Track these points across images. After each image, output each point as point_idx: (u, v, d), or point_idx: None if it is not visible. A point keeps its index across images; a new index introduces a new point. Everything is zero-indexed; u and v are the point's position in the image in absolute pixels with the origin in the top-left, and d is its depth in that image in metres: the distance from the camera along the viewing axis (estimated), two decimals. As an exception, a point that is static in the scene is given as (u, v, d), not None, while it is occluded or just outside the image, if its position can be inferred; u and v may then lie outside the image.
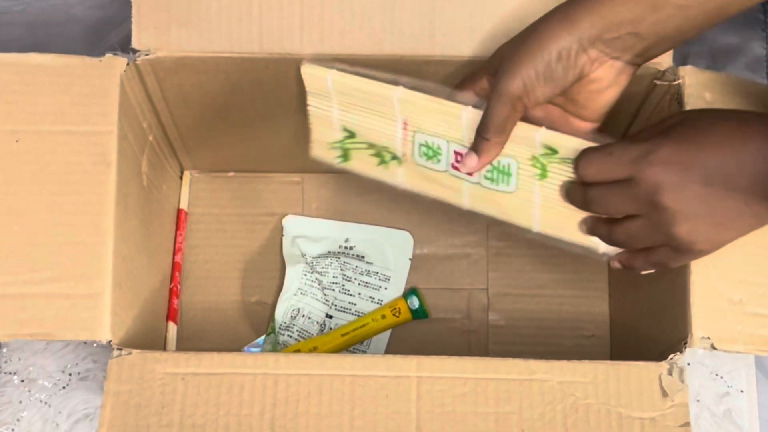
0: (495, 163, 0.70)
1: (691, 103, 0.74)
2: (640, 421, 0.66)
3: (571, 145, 0.66)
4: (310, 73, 0.73)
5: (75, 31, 1.04)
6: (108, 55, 0.74)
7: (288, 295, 0.93)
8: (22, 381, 0.90)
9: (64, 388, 0.90)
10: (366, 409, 0.67)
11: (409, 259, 0.96)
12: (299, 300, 0.92)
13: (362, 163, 0.77)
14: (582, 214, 0.69)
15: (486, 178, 0.71)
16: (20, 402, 0.90)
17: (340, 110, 0.74)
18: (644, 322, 0.83)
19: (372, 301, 0.94)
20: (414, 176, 0.75)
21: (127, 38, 0.75)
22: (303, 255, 0.94)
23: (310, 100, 0.75)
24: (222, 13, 0.74)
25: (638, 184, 0.62)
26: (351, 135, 0.75)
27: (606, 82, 0.68)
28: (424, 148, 0.72)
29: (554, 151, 0.67)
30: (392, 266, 0.95)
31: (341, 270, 0.94)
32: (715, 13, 0.64)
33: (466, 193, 0.73)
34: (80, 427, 0.89)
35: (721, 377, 0.91)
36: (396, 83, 0.70)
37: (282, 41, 0.74)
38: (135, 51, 0.74)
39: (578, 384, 0.67)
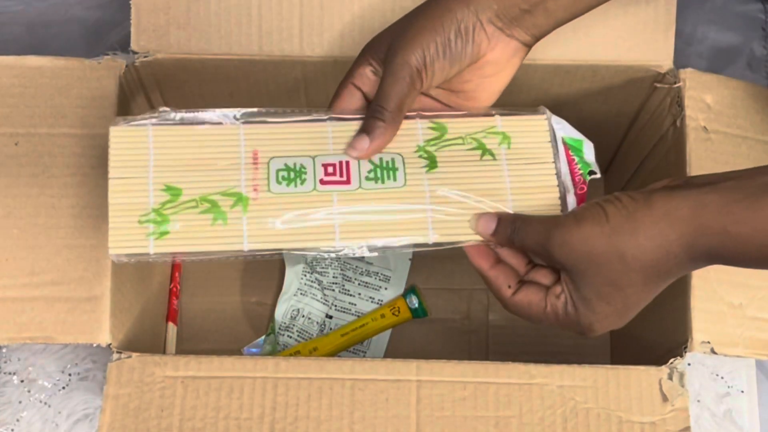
0: (377, 160, 0.66)
1: (691, 105, 0.74)
2: (640, 426, 0.66)
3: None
4: (120, 136, 0.64)
5: (74, 31, 1.03)
6: (107, 57, 0.74)
7: (288, 296, 0.93)
8: (22, 381, 0.90)
9: (63, 388, 0.90)
10: (366, 412, 0.67)
11: (409, 259, 0.95)
12: (299, 300, 0.92)
13: (189, 229, 0.63)
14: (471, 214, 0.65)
15: (368, 179, 0.65)
16: (20, 402, 0.90)
17: (159, 169, 0.64)
18: (644, 325, 0.83)
19: (372, 302, 0.93)
20: (269, 211, 0.64)
21: (127, 38, 0.74)
22: (303, 255, 0.94)
23: (114, 172, 0.63)
24: (221, 15, 0.74)
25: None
26: (175, 194, 0.63)
27: (500, 64, 0.66)
28: (283, 173, 0.65)
29: (442, 130, 0.66)
30: (392, 266, 0.95)
31: (341, 270, 0.94)
32: None
33: (336, 200, 0.65)
34: (80, 427, 0.89)
35: (722, 377, 0.91)
36: (234, 118, 0.66)
37: (281, 43, 0.74)
38: (134, 53, 0.74)
39: (578, 388, 0.67)
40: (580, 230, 0.59)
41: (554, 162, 0.67)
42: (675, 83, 0.74)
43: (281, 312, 0.92)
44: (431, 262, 0.96)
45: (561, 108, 0.81)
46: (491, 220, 0.64)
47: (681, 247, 0.57)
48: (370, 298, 0.94)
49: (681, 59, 0.76)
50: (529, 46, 0.66)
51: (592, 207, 0.60)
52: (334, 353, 0.90)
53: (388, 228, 0.65)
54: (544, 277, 0.64)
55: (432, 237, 0.65)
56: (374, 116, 0.64)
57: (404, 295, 0.92)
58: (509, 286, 0.64)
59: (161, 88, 0.79)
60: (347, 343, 0.90)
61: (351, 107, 0.66)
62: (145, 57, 0.74)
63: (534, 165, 0.67)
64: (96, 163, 0.71)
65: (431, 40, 0.63)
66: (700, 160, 0.73)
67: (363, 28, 0.74)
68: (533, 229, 0.62)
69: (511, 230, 0.63)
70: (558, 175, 0.67)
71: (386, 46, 0.65)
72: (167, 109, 0.65)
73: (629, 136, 0.87)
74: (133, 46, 0.74)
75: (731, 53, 1.03)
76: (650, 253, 0.58)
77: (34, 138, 0.72)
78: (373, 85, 0.66)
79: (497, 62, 0.66)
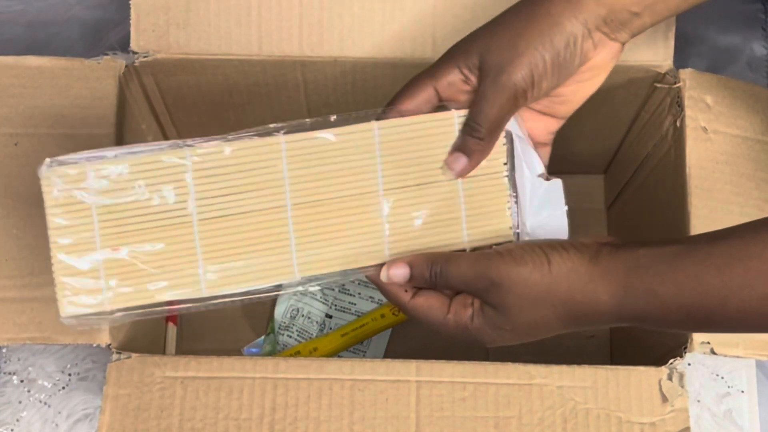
0: None
1: (691, 105, 0.74)
2: (639, 426, 0.66)
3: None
4: (56, 178, 0.58)
5: (74, 31, 1.03)
6: (106, 58, 0.74)
7: (287, 295, 0.93)
8: (22, 381, 0.90)
9: (63, 388, 0.90)
10: (365, 413, 0.67)
11: (409, 259, 0.95)
12: (299, 300, 0.92)
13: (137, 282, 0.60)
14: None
15: None
16: (20, 402, 0.90)
17: (104, 216, 0.59)
18: (644, 325, 0.83)
19: (372, 301, 0.93)
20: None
21: (127, 38, 0.74)
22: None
23: (54, 222, 0.59)
24: (221, 15, 0.74)
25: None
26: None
27: (601, 67, 0.64)
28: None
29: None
30: (392, 265, 0.95)
31: (341, 269, 0.94)
32: None
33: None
34: (80, 427, 0.89)
35: (722, 377, 0.91)
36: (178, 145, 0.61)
37: (281, 43, 0.74)
38: (134, 53, 0.74)
39: (578, 388, 0.67)
40: (519, 273, 0.58)
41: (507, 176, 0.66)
42: (675, 83, 0.74)
43: (281, 311, 0.92)
44: (431, 262, 0.96)
45: (561, 108, 0.81)
46: (401, 267, 0.62)
47: (611, 307, 0.57)
48: (370, 297, 0.93)
49: (681, 59, 0.75)
50: (623, 45, 0.64)
51: (535, 251, 0.59)
52: (334, 353, 0.90)
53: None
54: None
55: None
56: (472, 135, 0.62)
57: None
58: (405, 290, 0.63)
59: (161, 88, 0.79)
60: (347, 343, 0.90)
61: (422, 110, 0.63)
62: (145, 57, 0.74)
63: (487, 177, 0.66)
64: (96, 164, 0.71)
65: (540, 58, 0.60)
66: (700, 160, 0.73)
67: (363, 28, 0.74)
68: (460, 270, 0.60)
69: (430, 274, 0.61)
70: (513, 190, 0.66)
71: (479, 54, 0.61)
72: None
73: (629, 136, 0.87)
74: (133, 46, 0.74)
75: (731, 53, 1.03)
76: (581, 308, 0.58)
77: (34, 138, 0.72)
78: (459, 93, 0.63)
79: (599, 66, 0.64)
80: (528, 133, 0.66)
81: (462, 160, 0.63)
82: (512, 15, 0.62)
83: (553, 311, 0.59)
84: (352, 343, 0.91)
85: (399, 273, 0.62)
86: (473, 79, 0.62)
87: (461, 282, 0.60)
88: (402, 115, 0.63)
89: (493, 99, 0.61)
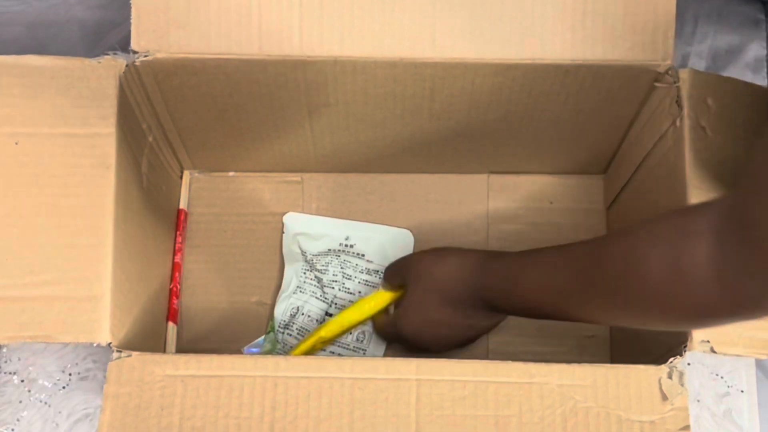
0: None
1: (691, 105, 0.74)
2: (639, 425, 0.66)
3: None
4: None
5: (75, 31, 1.04)
6: (107, 57, 0.74)
7: (287, 294, 0.93)
8: (22, 381, 0.90)
9: (64, 388, 0.90)
10: (365, 412, 0.67)
11: (410, 258, 0.96)
12: (298, 298, 0.92)
13: None
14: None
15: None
16: (20, 402, 0.90)
17: None
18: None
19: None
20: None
21: (127, 38, 0.74)
22: (303, 253, 0.94)
23: None
24: (221, 14, 0.74)
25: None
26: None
27: None
28: None
29: None
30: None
31: (341, 268, 0.94)
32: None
33: None
34: (80, 427, 0.89)
35: (722, 377, 0.91)
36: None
37: (281, 43, 0.74)
38: (134, 53, 0.74)
39: (578, 387, 0.67)
40: (419, 256, 0.85)
41: None
42: (675, 83, 0.75)
43: (281, 310, 0.92)
44: (431, 262, 0.96)
45: (561, 108, 0.82)
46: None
47: (468, 282, 0.79)
48: (370, 297, 0.94)
49: (681, 59, 0.76)
50: None
51: (435, 248, 0.85)
52: (343, 331, 0.91)
53: None
54: None
55: None
56: None
57: None
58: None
59: (161, 88, 0.79)
60: (351, 323, 0.91)
61: None
62: (145, 57, 0.74)
63: None
64: (96, 163, 0.71)
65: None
66: (700, 160, 0.73)
67: (363, 28, 0.74)
68: (396, 265, 0.88)
69: (388, 274, 0.90)
70: None
71: None
72: None
73: (629, 136, 0.87)
74: (133, 46, 0.74)
75: (731, 53, 1.03)
76: (450, 278, 0.80)
77: (34, 138, 0.72)
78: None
79: None
80: None
81: None
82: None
83: (434, 286, 0.81)
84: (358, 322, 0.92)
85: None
86: None
87: (396, 270, 0.88)
88: None
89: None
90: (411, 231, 0.96)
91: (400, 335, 0.85)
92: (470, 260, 0.79)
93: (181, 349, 0.92)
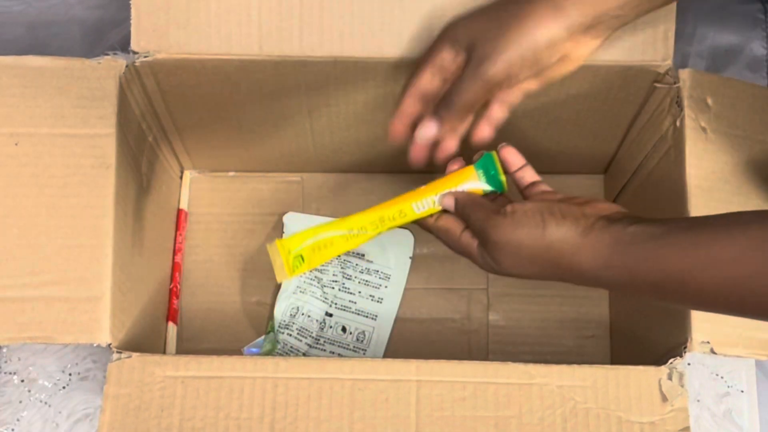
0: None
1: (691, 105, 0.74)
2: (639, 426, 0.66)
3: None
4: None
5: (75, 31, 1.04)
6: (107, 57, 0.74)
7: (287, 294, 0.93)
8: (22, 381, 0.90)
9: (64, 388, 0.90)
10: (365, 413, 0.67)
11: (410, 258, 0.95)
12: (298, 298, 0.92)
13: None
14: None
15: None
16: (20, 402, 0.90)
17: None
18: (644, 324, 0.83)
19: (372, 300, 0.94)
20: None
21: (127, 38, 0.74)
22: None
23: None
24: (221, 15, 0.74)
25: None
26: None
27: (582, 59, 0.68)
28: None
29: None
30: (393, 264, 0.95)
31: (341, 268, 0.94)
32: None
33: None
34: (80, 427, 0.89)
35: (722, 377, 0.91)
36: None
37: (281, 43, 0.74)
38: (134, 53, 0.74)
39: (578, 388, 0.67)
40: (515, 235, 0.65)
41: None
42: (675, 83, 0.74)
43: (281, 310, 0.92)
44: (431, 262, 0.96)
45: (561, 108, 0.82)
46: (451, 199, 0.72)
47: (590, 277, 0.63)
48: (371, 296, 0.94)
49: (681, 59, 0.76)
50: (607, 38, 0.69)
51: (535, 216, 0.65)
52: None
53: None
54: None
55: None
56: (448, 108, 0.68)
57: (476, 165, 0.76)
58: (432, 217, 0.73)
59: (161, 88, 0.79)
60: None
61: (429, 89, 0.70)
62: (145, 57, 0.74)
63: None
64: (96, 163, 0.71)
65: (519, 57, 0.65)
66: (700, 160, 0.73)
67: (363, 28, 0.74)
68: (476, 216, 0.68)
69: (461, 209, 0.70)
70: None
71: (468, 40, 0.66)
72: None
73: (629, 136, 0.87)
74: (133, 46, 0.74)
75: (731, 53, 1.03)
76: (565, 273, 0.64)
77: (34, 138, 0.72)
78: (448, 69, 0.68)
79: (579, 59, 0.68)
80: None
81: (432, 125, 0.69)
82: (504, 8, 0.66)
83: (540, 270, 0.64)
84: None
85: (449, 202, 0.72)
86: (460, 59, 0.67)
87: (474, 226, 0.68)
88: (413, 93, 0.70)
89: (470, 85, 0.66)
90: (411, 231, 0.96)
91: (496, 270, 0.68)
92: (591, 259, 0.62)
93: (181, 349, 0.92)
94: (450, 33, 0.68)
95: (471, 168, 0.73)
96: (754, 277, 0.54)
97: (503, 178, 0.73)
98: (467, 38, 0.67)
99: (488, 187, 0.73)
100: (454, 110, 0.68)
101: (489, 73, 0.65)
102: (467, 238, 0.69)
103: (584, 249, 0.62)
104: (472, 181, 0.73)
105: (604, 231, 0.62)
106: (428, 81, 0.69)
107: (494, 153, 0.73)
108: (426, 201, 0.73)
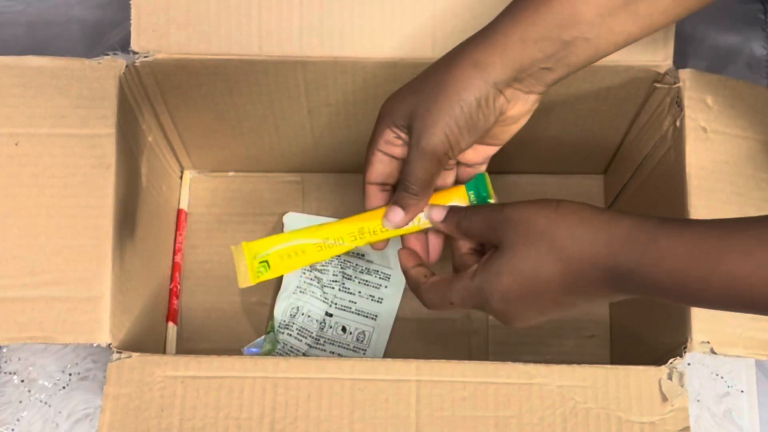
0: None
1: (691, 105, 0.74)
2: (639, 426, 0.66)
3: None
4: None
5: (75, 31, 1.04)
6: (107, 57, 0.74)
7: (287, 294, 0.93)
8: (22, 381, 0.90)
9: (64, 388, 0.90)
10: (365, 413, 0.67)
11: (410, 259, 0.95)
12: (298, 298, 0.92)
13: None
14: None
15: None
16: (20, 402, 0.90)
17: None
18: (644, 325, 0.83)
19: (372, 300, 0.94)
20: None
21: (127, 38, 0.74)
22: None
23: None
24: (221, 15, 0.74)
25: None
26: None
27: (521, 115, 0.67)
28: None
29: None
30: (393, 264, 0.95)
31: (341, 268, 0.94)
32: (623, 42, 0.64)
33: None
34: (80, 427, 0.89)
35: (722, 377, 0.91)
36: None
37: (281, 43, 0.74)
38: (134, 53, 0.74)
39: (578, 388, 0.67)
40: (527, 209, 0.62)
41: None
42: (675, 83, 0.74)
43: (281, 310, 0.92)
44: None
45: (560, 108, 0.82)
46: (442, 210, 0.69)
47: (605, 258, 0.58)
48: (371, 296, 0.94)
49: (681, 59, 0.76)
50: (545, 91, 0.66)
51: (546, 199, 0.63)
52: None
53: None
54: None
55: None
56: (406, 191, 0.67)
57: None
58: (425, 276, 0.68)
59: (161, 88, 0.79)
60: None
61: (386, 172, 0.69)
62: (145, 57, 0.74)
63: None
64: (96, 163, 0.71)
65: (454, 124, 0.63)
66: (700, 160, 0.73)
67: (363, 28, 0.74)
68: (481, 215, 0.65)
69: (459, 218, 0.67)
70: None
71: (405, 117, 0.65)
72: None
73: (629, 136, 0.87)
74: (133, 46, 0.74)
75: (731, 53, 1.03)
76: (578, 250, 0.59)
77: (34, 138, 0.72)
78: (396, 148, 0.67)
79: (518, 115, 0.67)
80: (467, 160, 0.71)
81: (399, 213, 0.68)
82: (429, 78, 0.65)
83: (551, 252, 0.60)
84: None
85: (439, 214, 0.69)
86: (404, 136, 0.66)
87: (481, 223, 0.65)
88: (374, 181, 0.69)
89: (417, 163, 0.65)
90: (411, 231, 0.96)
91: (485, 307, 0.64)
92: (616, 228, 0.58)
93: (180, 349, 0.92)
94: (386, 113, 0.67)
95: (462, 187, 0.71)
96: None
97: (493, 196, 0.71)
98: (403, 115, 0.65)
99: None
100: (412, 192, 0.67)
101: (430, 145, 0.64)
102: (468, 273, 0.64)
103: (600, 228, 0.59)
104: (461, 201, 0.71)
105: (621, 218, 0.58)
106: (383, 166, 0.68)
107: (486, 174, 0.71)
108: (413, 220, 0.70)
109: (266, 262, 0.70)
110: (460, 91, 0.63)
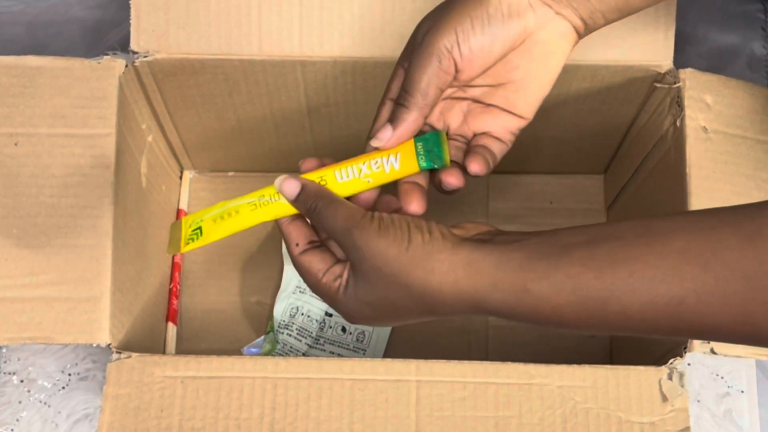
0: None
1: (691, 105, 0.74)
2: (639, 426, 0.66)
3: None
4: None
5: (74, 31, 1.04)
6: (106, 57, 0.74)
7: (286, 294, 0.93)
8: (22, 381, 0.90)
9: (63, 388, 0.90)
10: (365, 413, 0.67)
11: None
12: (298, 298, 0.92)
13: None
14: None
15: None
16: (20, 402, 0.90)
17: None
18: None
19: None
20: None
21: (127, 38, 0.74)
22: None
23: None
24: (221, 15, 0.74)
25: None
26: None
27: (550, 45, 0.60)
28: None
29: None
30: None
31: (341, 269, 0.94)
32: None
33: None
34: (80, 427, 0.89)
35: (722, 377, 0.91)
36: None
37: (281, 43, 0.74)
38: (134, 53, 0.74)
39: (578, 388, 0.67)
40: (378, 244, 0.55)
41: None
42: (675, 83, 0.74)
43: (280, 310, 0.92)
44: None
45: (561, 108, 0.81)
46: (295, 185, 0.61)
47: (472, 299, 0.54)
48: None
49: (681, 59, 0.75)
50: (578, 33, 0.61)
51: (400, 225, 0.56)
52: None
53: None
54: (337, 249, 0.61)
55: None
56: (398, 102, 0.61)
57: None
58: (297, 244, 0.61)
59: (161, 88, 0.79)
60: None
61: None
62: (145, 57, 0.74)
63: None
64: (96, 163, 0.71)
65: (466, 17, 0.58)
66: (700, 160, 0.73)
67: (363, 28, 0.74)
68: (333, 216, 0.58)
69: (311, 206, 0.60)
70: None
71: (423, 30, 0.61)
72: None
73: (629, 136, 0.87)
74: (133, 46, 0.74)
75: (731, 53, 1.03)
76: (437, 295, 0.55)
77: (34, 138, 0.72)
78: None
79: (546, 42, 0.60)
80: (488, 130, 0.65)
81: (387, 130, 0.61)
82: None
83: (409, 293, 0.55)
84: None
85: (291, 189, 0.61)
86: None
87: (330, 229, 0.59)
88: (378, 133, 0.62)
89: (417, 64, 0.59)
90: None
91: (345, 313, 0.60)
92: (468, 277, 0.54)
93: (180, 349, 0.92)
94: (400, 57, 0.64)
95: (410, 141, 0.63)
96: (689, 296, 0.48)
97: (447, 156, 0.63)
98: (422, 32, 0.61)
99: (425, 164, 0.62)
100: (404, 103, 0.60)
101: (432, 42, 0.58)
102: (331, 277, 0.59)
103: (459, 267, 0.54)
104: (407, 153, 0.63)
105: (480, 247, 0.54)
106: (400, 81, 0.63)
107: (443, 133, 0.63)
108: (350, 170, 0.62)
109: (199, 228, 0.65)
110: None
